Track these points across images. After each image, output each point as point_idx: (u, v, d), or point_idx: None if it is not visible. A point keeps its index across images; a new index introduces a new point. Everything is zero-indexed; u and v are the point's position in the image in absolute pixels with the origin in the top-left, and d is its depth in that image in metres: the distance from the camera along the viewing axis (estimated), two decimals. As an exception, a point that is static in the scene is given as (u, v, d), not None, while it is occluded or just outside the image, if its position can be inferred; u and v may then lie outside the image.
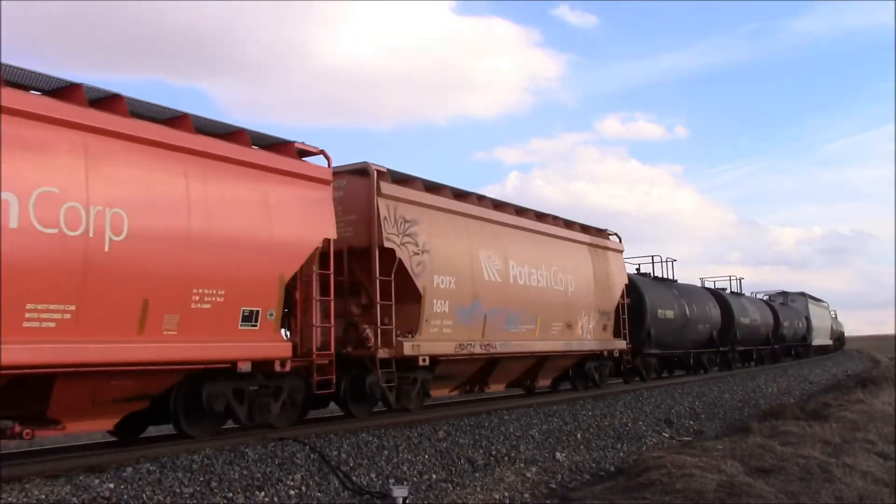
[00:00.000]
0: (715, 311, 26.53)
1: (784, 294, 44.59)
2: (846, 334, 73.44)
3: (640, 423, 14.49)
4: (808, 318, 43.39)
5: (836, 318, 65.36)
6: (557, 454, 11.35)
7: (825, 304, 55.40)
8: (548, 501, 9.61)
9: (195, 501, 7.17)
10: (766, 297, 40.75)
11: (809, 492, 9.01)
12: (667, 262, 25.26)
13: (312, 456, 8.66)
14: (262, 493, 7.64)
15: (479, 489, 9.37)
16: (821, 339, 47.97)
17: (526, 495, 9.68)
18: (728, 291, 32.24)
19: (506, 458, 10.51)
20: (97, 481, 6.94)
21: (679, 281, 25.99)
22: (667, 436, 14.30)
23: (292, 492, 7.90)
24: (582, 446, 12.09)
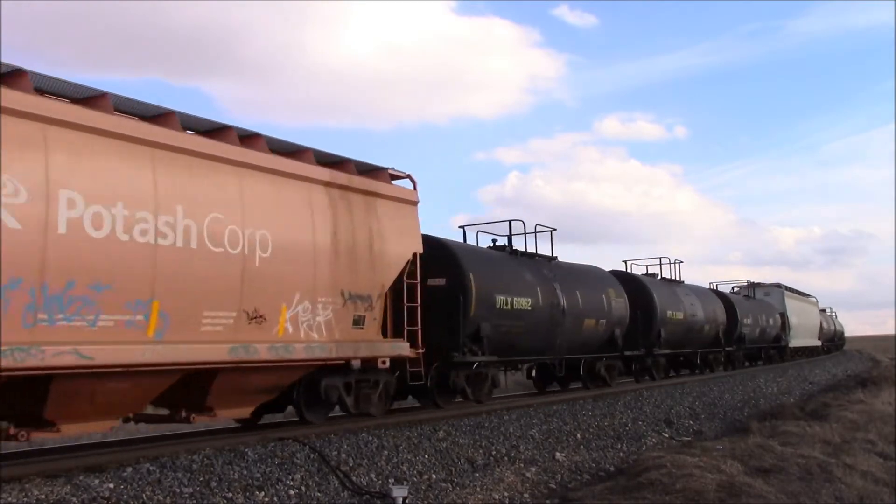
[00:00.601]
0: (619, 303, 18.95)
1: (752, 286, 36.63)
2: (846, 334, 72.91)
3: (640, 423, 14.49)
4: (783, 315, 36.38)
5: (834, 316, 61.78)
6: (557, 454, 11.35)
7: (812, 300, 48.83)
8: (548, 501, 9.61)
9: (195, 501, 7.17)
10: (735, 290, 34.50)
11: (809, 492, 9.00)
12: (536, 232, 16.98)
13: (312, 456, 8.67)
14: (262, 493, 7.65)
15: (478, 489, 9.37)
16: (803, 339, 41.34)
17: (526, 495, 9.68)
18: (658, 278, 24.19)
19: (505, 458, 10.51)
20: (97, 481, 6.95)
21: (569, 261, 18.50)
22: (667, 436, 14.30)
23: (292, 492, 7.90)
24: (582, 446, 12.09)
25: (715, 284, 31.76)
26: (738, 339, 29.05)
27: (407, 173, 12.56)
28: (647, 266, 24.63)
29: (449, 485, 9.25)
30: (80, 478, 6.97)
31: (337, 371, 10.90)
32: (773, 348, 35.30)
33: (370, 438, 9.74)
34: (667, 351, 22.16)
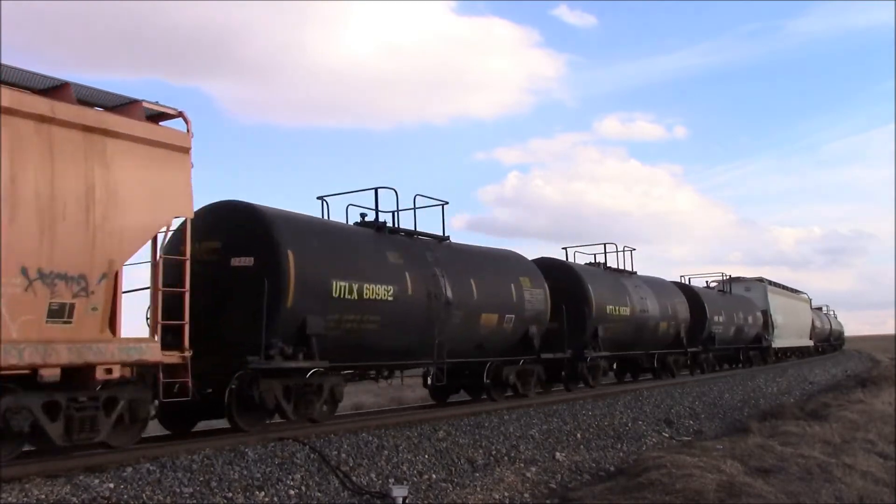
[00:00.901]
0: (536, 294, 15.43)
1: (730, 280, 32.44)
2: (846, 334, 72.69)
3: (640, 422, 14.49)
4: (766, 312, 32.56)
5: (832, 315, 60.49)
6: (557, 454, 11.35)
7: (804, 296, 44.75)
8: (548, 501, 9.61)
9: (195, 501, 7.17)
10: (714, 285, 31.06)
11: (809, 492, 9.00)
12: (416, 208, 13.54)
13: (312, 456, 8.67)
14: (262, 493, 7.64)
15: (478, 489, 9.38)
16: (790, 339, 37.43)
17: (526, 495, 9.69)
18: (603, 267, 20.46)
19: (506, 458, 10.51)
20: (97, 481, 6.95)
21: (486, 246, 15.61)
22: (667, 436, 14.30)
23: (292, 492, 7.90)
24: (582, 446, 12.09)
25: (688, 278, 27.76)
26: (707, 339, 25.35)
27: (178, 110, 9.13)
28: (594, 255, 20.90)
29: (449, 485, 9.25)
30: (80, 478, 6.97)
31: (33, 386, 7.48)
32: (754, 349, 31.31)
33: (370, 438, 9.74)
34: (606, 353, 18.38)
